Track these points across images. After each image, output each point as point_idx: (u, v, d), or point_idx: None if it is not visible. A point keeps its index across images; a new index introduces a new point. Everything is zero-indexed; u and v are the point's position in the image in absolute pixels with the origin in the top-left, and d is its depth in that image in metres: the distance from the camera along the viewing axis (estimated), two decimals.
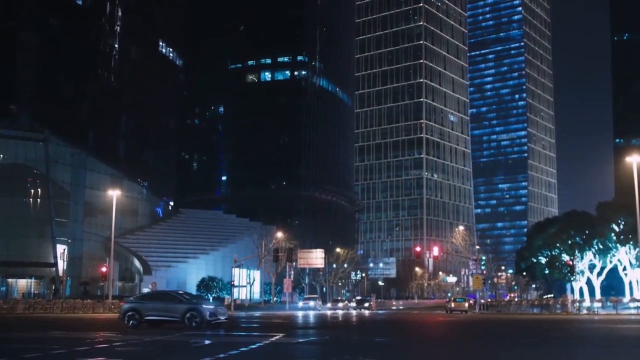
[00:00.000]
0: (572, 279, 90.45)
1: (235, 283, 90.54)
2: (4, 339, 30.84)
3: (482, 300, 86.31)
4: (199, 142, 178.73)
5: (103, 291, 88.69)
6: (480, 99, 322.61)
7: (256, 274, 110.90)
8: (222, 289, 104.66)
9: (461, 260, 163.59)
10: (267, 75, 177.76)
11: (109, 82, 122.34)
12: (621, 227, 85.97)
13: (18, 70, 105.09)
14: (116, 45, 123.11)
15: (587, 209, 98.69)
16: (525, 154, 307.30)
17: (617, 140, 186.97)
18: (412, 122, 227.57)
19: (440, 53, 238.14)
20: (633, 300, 77.62)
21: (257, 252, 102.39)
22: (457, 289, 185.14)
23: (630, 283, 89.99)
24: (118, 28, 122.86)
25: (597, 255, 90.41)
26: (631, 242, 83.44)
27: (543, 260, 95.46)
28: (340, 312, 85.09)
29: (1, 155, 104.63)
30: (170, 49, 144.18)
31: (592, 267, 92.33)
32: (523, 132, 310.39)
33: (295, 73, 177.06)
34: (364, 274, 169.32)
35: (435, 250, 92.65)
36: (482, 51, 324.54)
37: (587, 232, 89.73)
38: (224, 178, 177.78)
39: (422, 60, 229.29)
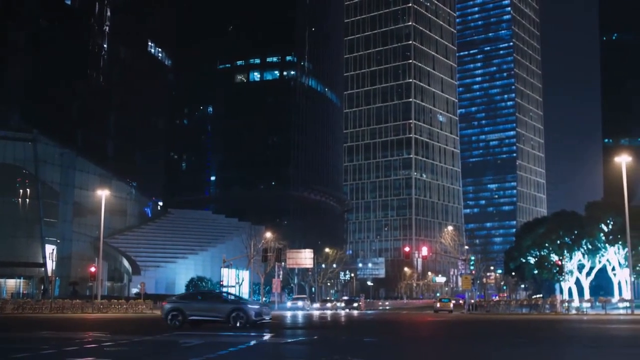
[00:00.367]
0: (561, 279, 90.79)
1: (224, 283, 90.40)
2: None
3: (472, 300, 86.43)
4: (188, 142, 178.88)
5: (92, 291, 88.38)
6: (469, 99, 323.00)
7: (245, 274, 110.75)
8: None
9: (450, 260, 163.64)
10: (256, 76, 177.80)
11: (98, 82, 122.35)
12: (610, 227, 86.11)
13: (7, 70, 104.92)
14: (105, 46, 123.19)
15: (576, 209, 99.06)
16: (514, 154, 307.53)
17: (606, 140, 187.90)
18: (401, 122, 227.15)
19: (429, 53, 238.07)
20: (622, 300, 77.68)
21: (246, 252, 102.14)
22: (446, 289, 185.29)
23: (619, 283, 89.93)
24: (107, 28, 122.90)
25: (586, 256, 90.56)
26: (620, 242, 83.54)
27: (532, 260, 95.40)
28: (328, 312, 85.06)
29: None
30: (159, 49, 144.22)
31: (581, 267, 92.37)
32: (512, 132, 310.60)
33: (284, 73, 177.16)
34: (352, 274, 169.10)
35: (424, 251, 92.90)
36: (471, 51, 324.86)
37: (576, 232, 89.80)
38: (212, 178, 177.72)
39: (411, 61, 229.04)
